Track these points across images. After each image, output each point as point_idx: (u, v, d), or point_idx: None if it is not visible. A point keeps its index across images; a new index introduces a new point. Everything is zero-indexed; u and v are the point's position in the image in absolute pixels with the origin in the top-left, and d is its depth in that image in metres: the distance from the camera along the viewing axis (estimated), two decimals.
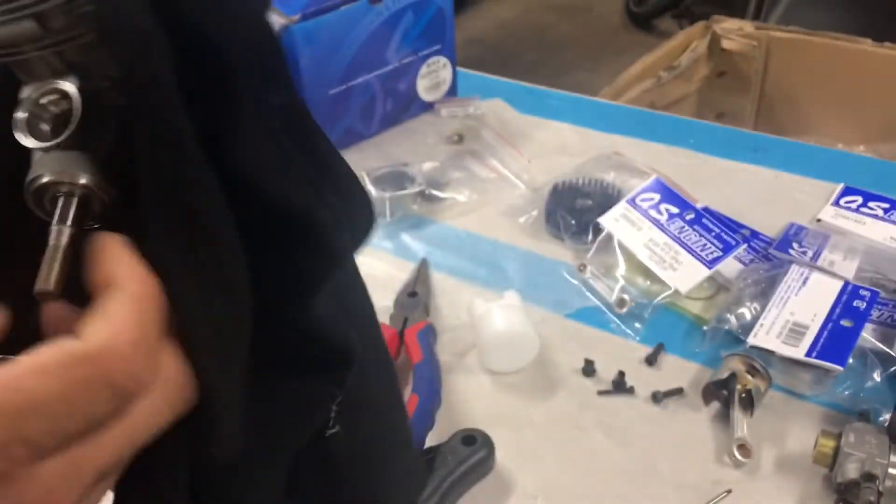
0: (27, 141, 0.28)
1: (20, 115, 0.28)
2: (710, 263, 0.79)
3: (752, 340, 0.71)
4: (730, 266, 0.81)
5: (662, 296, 0.79)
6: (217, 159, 0.29)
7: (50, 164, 0.28)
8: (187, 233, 0.28)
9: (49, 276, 0.27)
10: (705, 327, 0.76)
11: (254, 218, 0.30)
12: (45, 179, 0.28)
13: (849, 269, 0.78)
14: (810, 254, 0.81)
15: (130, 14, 0.27)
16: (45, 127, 0.28)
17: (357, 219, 0.35)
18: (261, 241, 0.31)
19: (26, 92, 0.28)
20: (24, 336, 0.28)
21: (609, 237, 0.84)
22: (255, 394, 0.31)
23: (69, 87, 0.28)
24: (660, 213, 0.85)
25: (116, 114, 0.29)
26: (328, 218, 0.32)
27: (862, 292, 0.74)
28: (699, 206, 0.87)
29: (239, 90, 0.30)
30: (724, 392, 0.68)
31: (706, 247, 0.81)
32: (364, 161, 1.00)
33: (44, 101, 0.28)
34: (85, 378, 0.25)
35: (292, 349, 0.33)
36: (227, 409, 0.29)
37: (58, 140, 0.28)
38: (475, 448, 0.64)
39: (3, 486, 0.24)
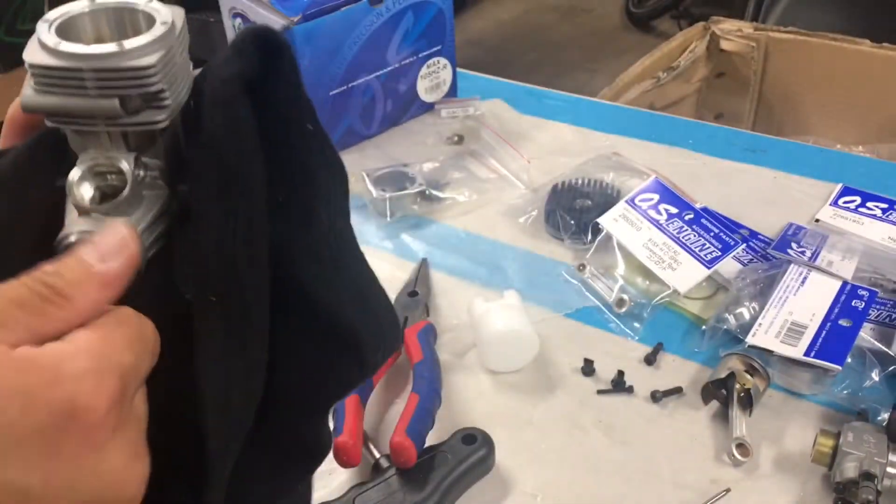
0: (74, 199, 0.31)
1: (76, 175, 0.31)
2: (709, 263, 0.80)
3: (750, 340, 0.71)
4: (729, 266, 0.81)
5: (661, 295, 0.79)
6: (280, 263, 0.32)
7: (82, 225, 0.30)
8: (233, 326, 0.31)
9: None
10: (704, 327, 0.76)
11: (303, 326, 0.33)
12: (73, 238, 0.30)
13: (847, 268, 0.78)
14: (809, 254, 0.81)
15: (238, 135, 0.30)
16: (90, 193, 0.31)
17: (387, 338, 0.37)
18: (306, 350, 0.34)
19: (84, 159, 0.31)
20: None
21: (608, 237, 0.84)
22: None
23: (126, 166, 0.31)
24: (659, 213, 0.85)
25: (153, 198, 0.32)
26: (370, 335, 0.35)
27: (860, 292, 0.74)
28: (698, 206, 0.87)
29: (317, 203, 0.33)
30: (723, 391, 0.68)
31: (705, 247, 0.81)
32: (364, 161, 1.00)
33: (98, 170, 0.31)
34: (142, 322, 0.28)
35: (288, 450, 0.35)
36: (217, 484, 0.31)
37: (99, 207, 0.31)
38: (475, 447, 0.64)
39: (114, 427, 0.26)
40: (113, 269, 0.27)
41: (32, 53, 0.30)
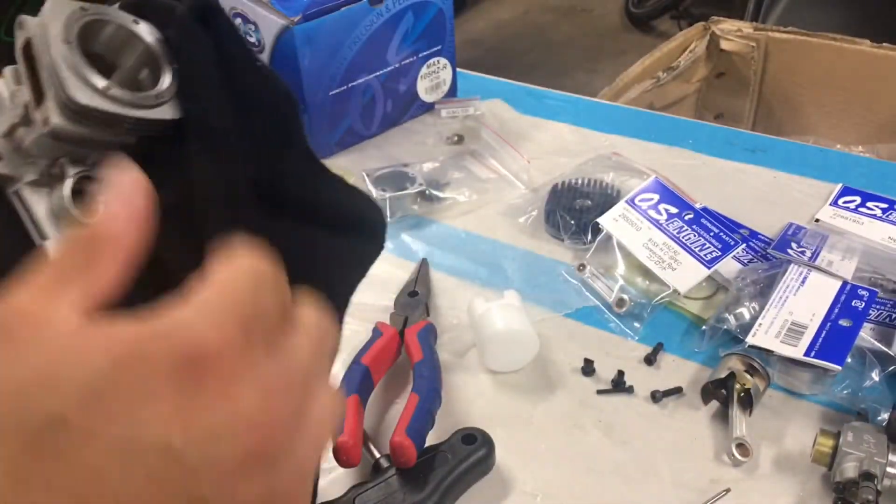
0: (67, 210, 0.34)
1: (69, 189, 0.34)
2: (709, 263, 0.80)
3: (750, 340, 0.71)
4: (729, 266, 0.81)
5: (661, 295, 0.79)
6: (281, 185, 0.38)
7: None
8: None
9: None
10: (704, 327, 0.76)
11: (326, 225, 0.40)
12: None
13: (847, 268, 0.78)
14: (809, 254, 0.81)
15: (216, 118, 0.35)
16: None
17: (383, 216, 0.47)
18: (340, 244, 0.41)
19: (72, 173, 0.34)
20: None
21: (608, 237, 0.84)
22: None
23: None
24: (659, 213, 0.86)
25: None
26: (377, 215, 0.44)
27: (860, 292, 0.74)
28: (698, 206, 0.87)
29: (294, 127, 0.40)
30: (723, 391, 0.68)
31: (705, 247, 0.81)
32: (364, 161, 1.00)
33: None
34: (255, 263, 0.28)
35: None
36: None
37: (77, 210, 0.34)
38: (475, 447, 0.64)
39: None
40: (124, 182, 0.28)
41: (83, 93, 0.31)
